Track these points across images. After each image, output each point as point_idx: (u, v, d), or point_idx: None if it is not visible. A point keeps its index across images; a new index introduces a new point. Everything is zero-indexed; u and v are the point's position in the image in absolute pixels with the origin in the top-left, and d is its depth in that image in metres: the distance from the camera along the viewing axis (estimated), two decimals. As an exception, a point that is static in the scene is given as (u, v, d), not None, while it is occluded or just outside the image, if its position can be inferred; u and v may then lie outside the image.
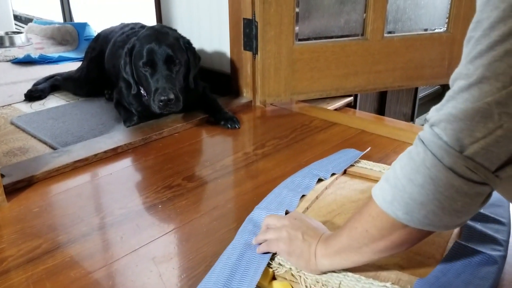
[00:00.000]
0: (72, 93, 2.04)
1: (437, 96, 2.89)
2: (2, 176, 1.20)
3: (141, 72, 1.55)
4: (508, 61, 0.53)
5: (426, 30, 1.94)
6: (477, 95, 0.56)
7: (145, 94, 1.63)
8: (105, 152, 1.42)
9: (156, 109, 1.52)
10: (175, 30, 1.70)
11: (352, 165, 1.26)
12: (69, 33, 2.93)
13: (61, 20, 3.56)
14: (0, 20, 3.29)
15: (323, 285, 0.82)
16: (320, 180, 1.18)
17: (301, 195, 1.10)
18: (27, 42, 2.96)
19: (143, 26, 1.87)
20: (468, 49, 0.58)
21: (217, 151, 1.47)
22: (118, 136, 1.52)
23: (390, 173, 0.68)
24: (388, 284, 0.80)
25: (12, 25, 3.38)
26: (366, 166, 1.25)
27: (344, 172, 1.24)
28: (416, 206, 0.63)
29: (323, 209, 1.07)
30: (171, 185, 1.25)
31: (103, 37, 2.01)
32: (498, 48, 0.54)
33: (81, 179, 1.30)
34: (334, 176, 1.20)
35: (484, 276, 0.81)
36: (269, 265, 0.87)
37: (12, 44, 2.91)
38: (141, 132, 1.55)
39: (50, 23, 3.25)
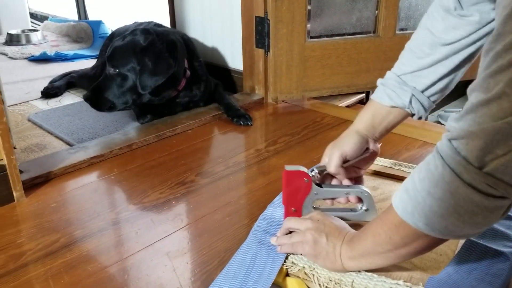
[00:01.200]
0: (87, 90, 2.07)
1: (449, 93, 2.86)
2: (21, 172, 1.23)
3: None
4: None
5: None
6: (495, 111, 0.56)
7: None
8: (120, 148, 1.45)
9: None
10: (157, 33, 1.64)
11: None
12: (84, 30, 2.97)
13: (76, 18, 3.60)
14: (16, 18, 3.34)
15: (336, 284, 0.83)
16: None
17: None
18: (43, 40, 3.00)
19: (156, 25, 1.89)
20: (488, 61, 0.57)
21: (229, 147, 1.49)
22: (132, 133, 1.55)
23: (409, 184, 0.68)
24: (400, 282, 0.81)
25: (28, 23, 3.42)
26: (378, 162, 1.26)
27: None
28: (436, 218, 0.64)
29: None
30: (184, 181, 1.27)
31: (117, 36, 2.03)
32: None
33: (97, 175, 1.33)
34: None
35: (496, 273, 0.82)
36: (282, 264, 0.89)
37: (28, 41, 2.95)
38: (155, 128, 1.58)
39: (65, 21, 3.30)
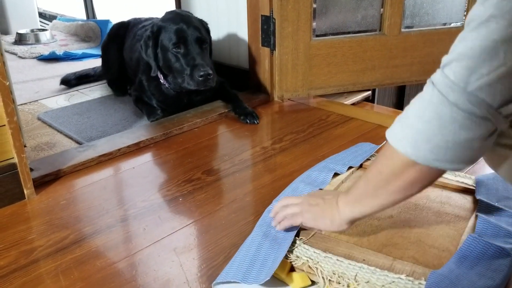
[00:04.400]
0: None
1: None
2: (31, 170, 1.26)
3: (172, 53, 1.60)
4: None
5: (444, 24, 1.93)
6: (484, 34, 0.60)
7: (164, 83, 1.69)
8: (128, 146, 1.47)
9: (194, 85, 1.58)
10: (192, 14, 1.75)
11: (368, 159, 1.28)
12: (92, 30, 3.00)
13: (84, 17, 3.63)
14: (25, 17, 3.37)
15: (339, 277, 0.84)
16: (336, 174, 1.21)
17: (318, 189, 1.13)
18: (52, 39, 3.04)
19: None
20: None
21: (235, 145, 1.51)
22: (140, 131, 1.57)
23: (402, 114, 0.73)
24: (402, 276, 0.82)
25: (37, 23, 3.46)
26: None
27: (360, 166, 1.26)
28: (422, 141, 0.68)
29: None
30: (191, 179, 1.29)
31: (115, 32, 2.06)
32: None
33: (105, 173, 1.35)
34: (350, 170, 1.22)
35: (497, 268, 0.83)
36: (286, 257, 0.90)
37: (37, 41, 2.99)
38: (162, 127, 1.60)
39: (74, 20, 3.33)
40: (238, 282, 0.85)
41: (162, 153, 1.46)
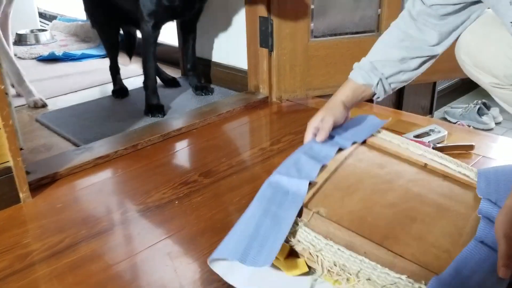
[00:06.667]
0: None
1: (456, 88, 2.85)
2: (28, 173, 1.26)
3: None
4: None
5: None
6: None
7: None
8: (125, 149, 1.46)
9: None
10: None
11: (372, 135, 1.22)
12: (92, 30, 2.99)
13: (84, 17, 3.62)
14: (25, 18, 3.36)
15: (340, 269, 0.82)
16: (340, 149, 1.15)
17: (321, 165, 1.07)
18: (52, 40, 3.03)
19: None
20: None
21: (233, 147, 1.50)
22: (137, 133, 1.57)
23: None
24: (403, 277, 0.80)
25: (37, 23, 3.46)
26: (386, 137, 1.20)
27: (364, 142, 1.22)
28: None
29: (341, 182, 1.04)
30: (187, 181, 1.29)
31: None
32: None
33: (102, 176, 1.35)
34: (354, 145, 1.16)
35: (500, 278, 0.82)
36: (287, 241, 0.87)
37: (37, 41, 2.99)
38: (160, 129, 1.60)
39: (74, 20, 3.33)
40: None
41: (159, 155, 1.46)
